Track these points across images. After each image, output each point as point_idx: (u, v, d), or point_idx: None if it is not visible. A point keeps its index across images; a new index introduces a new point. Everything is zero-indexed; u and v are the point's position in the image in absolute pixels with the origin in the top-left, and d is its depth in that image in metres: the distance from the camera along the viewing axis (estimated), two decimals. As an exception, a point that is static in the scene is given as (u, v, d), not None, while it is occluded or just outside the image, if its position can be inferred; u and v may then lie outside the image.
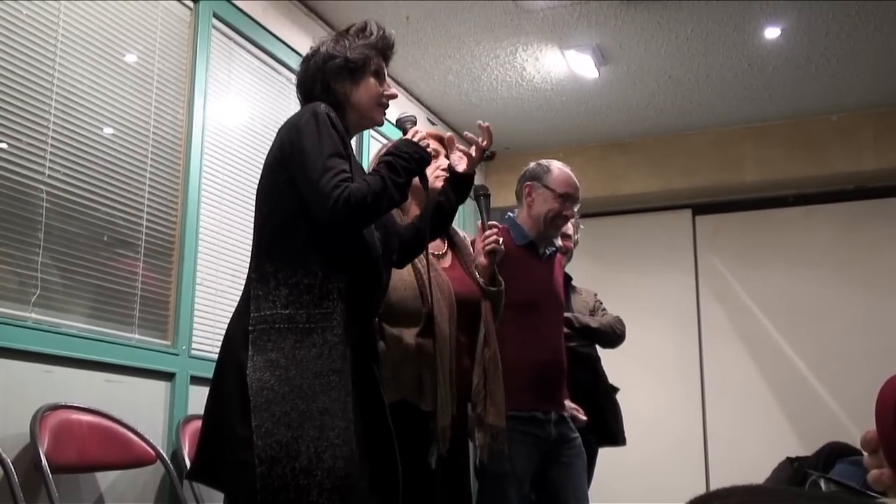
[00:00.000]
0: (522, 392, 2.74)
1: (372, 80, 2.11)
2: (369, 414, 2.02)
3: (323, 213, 1.88)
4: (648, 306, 5.78)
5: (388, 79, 2.17)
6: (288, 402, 1.82)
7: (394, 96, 2.16)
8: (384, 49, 2.15)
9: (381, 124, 2.22)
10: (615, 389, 3.61)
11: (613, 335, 3.50)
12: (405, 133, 2.14)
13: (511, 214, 3.04)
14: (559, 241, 3.22)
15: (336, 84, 2.09)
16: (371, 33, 2.14)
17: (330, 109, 2.02)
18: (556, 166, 3.00)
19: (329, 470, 1.79)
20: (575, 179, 3.01)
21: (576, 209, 3.04)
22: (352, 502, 1.82)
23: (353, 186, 1.89)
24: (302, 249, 1.94)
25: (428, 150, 2.09)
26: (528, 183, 2.99)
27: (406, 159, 2.00)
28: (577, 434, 2.97)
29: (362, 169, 2.13)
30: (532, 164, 3.05)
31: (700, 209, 6.02)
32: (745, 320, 5.75)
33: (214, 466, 1.93)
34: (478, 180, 6.32)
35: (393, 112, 2.26)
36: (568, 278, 3.62)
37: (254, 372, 1.85)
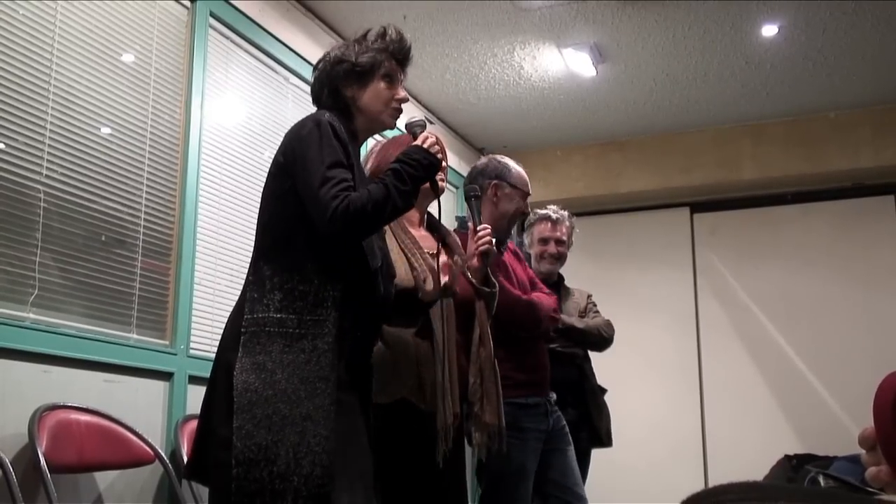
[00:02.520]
0: (521, 384, 2.91)
1: (381, 84, 2.09)
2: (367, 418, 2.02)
3: (322, 223, 1.88)
4: (646, 304, 5.79)
5: (400, 82, 2.15)
6: (270, 406, 1.81)
7: (405, 100, 2.14)
8: (396, 53, 2.13)
9: (392, 128, 2.19)
10: (603, 390, 3.60)
11: (599, 338, 3.48)
12: (415, 138, 2.11)
13: (463, 215, 3.02)
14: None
15: (344, 88, 2.09)
16: (387, 37, 2.13)
17: (334, 118, 2.00)
18: (513, 164, 3.05)
19: (307, 477, 1.78)
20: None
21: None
22: None
23: (353, 196, 1.87)
24: (300, 256, 1.93)
25: (438, 155, 2.06)
26: (495, 182, 2.98)
27: (414, 166, 1.98)
28: (564, 421, 3.09)
29: (367, 177, 2.13)
30: (488, 160, 3.05)
31: (698, 207, 6.03)
32: (743, 318, 5.75)
33: (203, 466, 1.93)
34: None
35: (403, 116, 2.24)
36: (560, 278, 3.63)
37: (240, 373, 1.84)
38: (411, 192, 1.98)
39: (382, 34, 2.14)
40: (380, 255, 2.04)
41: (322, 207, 1.87)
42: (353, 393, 1.97)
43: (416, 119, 2.20)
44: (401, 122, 2.24)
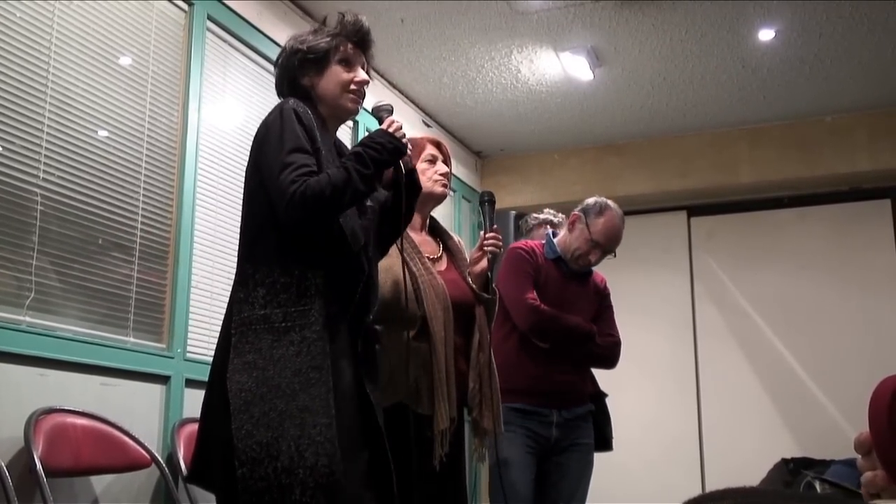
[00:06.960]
0: (523, 393, 2.99)
1: (337, 68, 2.07)
2: (365, 408, 2.01)
3: (281, 210, 1.87)
4: (644, 308, 5.79)
5: (361, 66, 2.11)
6: (267, 403, 1.81)
7: (365, 82, 2.11)
8: (352, 35, 2.10)
9: (355, 113, 2.15)
10: (604, 395, 3.61)
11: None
12: (381, 122, 2.08)
13: (554, 231, 3.28)
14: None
15: (301, 77, 2.08)
16: (343, 22, 2.11)
17: (299, 104, 1.99)
18: (610, 215, 3.12)
19: (312, 468, 1.78)
20: (619, 233, 3.12)
21: (602, 257, 3.13)
22: (336, 499, 1.80)
23: (311, 181, 1.85)
24: (278, 249, 1.92)
25: (404, 140, 2.03)
26: (577, 213, 3.16)
27: (378, 150, 1.96)
28: (586, 440, 3.15)
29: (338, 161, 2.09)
30: (593, 200, 3.18)
31: (695, 210, 6.03)
32: (740, 321, 5.76)
33: (206, 471, 1.93)
34: (473, 182, 6.32)
35: (370, 102, 2.21)
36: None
37: (233, 375, 1.85)
38: (373, 176, 1.95)
39: (340, 20, 2.12)
40: (362, 234, 2.00)
41: (280, 194, 1.86)
42: (350, 378, 1.96)
43: (383, 103, 2.15)
44: (369, 107, 2.19)
